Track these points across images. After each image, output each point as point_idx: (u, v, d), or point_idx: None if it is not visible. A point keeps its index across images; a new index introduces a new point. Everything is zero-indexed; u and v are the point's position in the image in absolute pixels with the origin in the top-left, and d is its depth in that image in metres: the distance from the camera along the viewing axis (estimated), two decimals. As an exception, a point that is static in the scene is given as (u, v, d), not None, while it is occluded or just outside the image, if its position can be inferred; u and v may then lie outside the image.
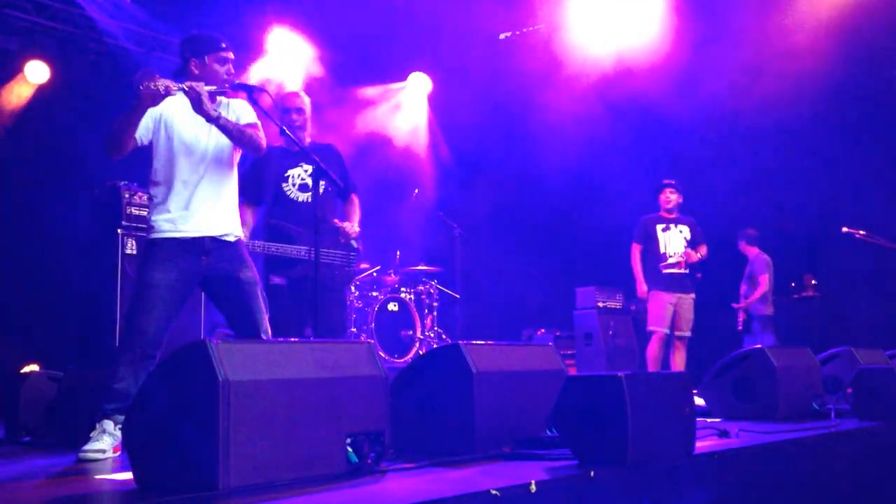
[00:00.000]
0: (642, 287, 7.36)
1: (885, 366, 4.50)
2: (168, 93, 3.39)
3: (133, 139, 3.59)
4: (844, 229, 7.36)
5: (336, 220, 4.89)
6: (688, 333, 7.28)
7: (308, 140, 4.98)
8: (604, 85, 10.51)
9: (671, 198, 7.54)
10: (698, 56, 9.48)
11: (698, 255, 7.36)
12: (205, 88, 3.51)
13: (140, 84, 3.37)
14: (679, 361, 7.27)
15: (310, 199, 4.75)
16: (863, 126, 9.02)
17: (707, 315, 7.84)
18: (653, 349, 7.22)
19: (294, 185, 4.85)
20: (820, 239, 9.17)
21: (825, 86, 9.09)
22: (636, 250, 7.49)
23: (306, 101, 5.03)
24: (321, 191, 4.69)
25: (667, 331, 7.20)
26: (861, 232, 7.29)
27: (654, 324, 7.24)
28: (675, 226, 7.49)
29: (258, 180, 4.81)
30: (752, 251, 9.01)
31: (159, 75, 3.45)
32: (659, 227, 7.47)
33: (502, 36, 10.82)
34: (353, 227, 4.92)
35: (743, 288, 8.98)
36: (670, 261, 7.29)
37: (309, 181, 4.82)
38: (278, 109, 4.85)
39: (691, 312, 7.29)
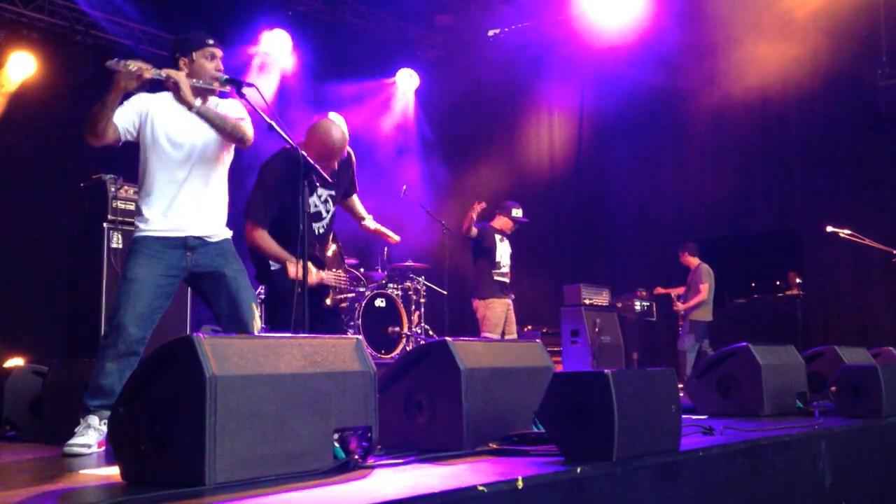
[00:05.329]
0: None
1: (868, 364, 4.53)
2: (141, 74, 3.36)
3: (112, 128, 3.55)
4: (829, 228, 7.40)
5: (380, 230, 4.77)
6: (515, 336, 7.52)
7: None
8: (594, 82, 10.53)
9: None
10: (686, 52, 9.50)
11: None
12: (185, 78, 3.50)
13: (106, 64, 3.36)
14: None
15: (321, 231, 4.45)
16: (846, 124, 9.07)
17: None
18: None
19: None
20: (804, 237, 9.23)
21: (811, 82, 9.14)
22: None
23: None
24: (331, 219, 4.54)
25: (498, 337, 7.31)
26: (845, 231, 7.33)
27: (489, 330, 7.29)
28: (505, 239, 7.72)
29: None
30: (694, 261, 9.30)
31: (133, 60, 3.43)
32: (497, 238, 7.64)
33: (491, 33, 10.82)
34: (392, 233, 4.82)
35: (682, 292, 9.37)
36: (503, 269, 7.55)
37: (322, 209, 4.45)
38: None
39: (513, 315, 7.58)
